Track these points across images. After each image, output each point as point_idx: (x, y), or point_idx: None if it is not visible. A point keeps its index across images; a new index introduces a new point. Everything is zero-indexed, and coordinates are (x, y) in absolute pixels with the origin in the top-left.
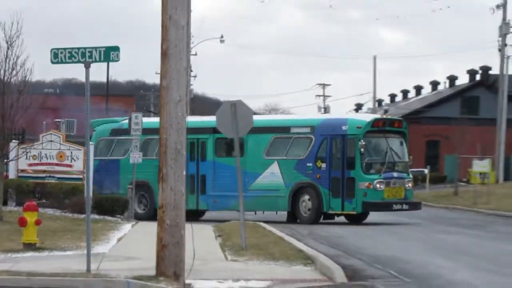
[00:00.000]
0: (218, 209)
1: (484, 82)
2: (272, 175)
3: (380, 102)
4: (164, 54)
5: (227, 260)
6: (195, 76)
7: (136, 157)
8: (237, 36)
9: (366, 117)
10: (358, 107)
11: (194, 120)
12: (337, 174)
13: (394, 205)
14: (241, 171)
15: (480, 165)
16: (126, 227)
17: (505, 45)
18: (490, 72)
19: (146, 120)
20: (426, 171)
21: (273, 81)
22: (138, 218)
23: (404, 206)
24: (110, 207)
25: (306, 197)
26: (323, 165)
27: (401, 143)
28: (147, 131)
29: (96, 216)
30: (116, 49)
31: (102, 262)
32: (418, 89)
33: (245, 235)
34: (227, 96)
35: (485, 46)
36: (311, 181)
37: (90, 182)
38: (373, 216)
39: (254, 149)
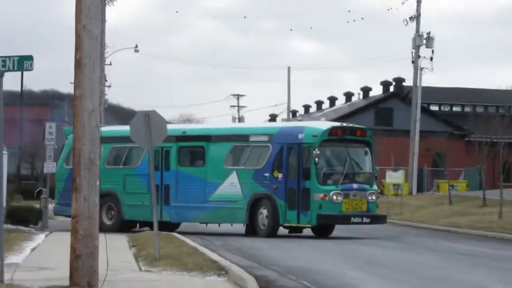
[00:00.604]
0: (180, 221)
1: (398, 93)
2: (231, 186)
3: (294, 113)
4: (78, 64)
5: (141, 270)
6: (109, 86)
7: (50, 167)
8: (152, 46)
9: (323, 125)
10: (273, 118)
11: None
12: (293, 184)
13: (352, 218)
14: (202, 181)
15: (393, 177)
16: (40, 237)
17: (419, 56)
18: (404, 83)
19: (113, 128)
20: None
21: (188, 91)
22: (105, 230)
23: (365, 220)
24: (24, 217)
25: (263, 209)
26: (280, 175)
27: (365, 153)
28: (114, 139)
29: (10, 226)
30: (30, 58)
31: (15, 272)
32: (332, 100)
33: (159, 246)
34: (141, 106)
35: (398, 58)
36: (268, 192)
37: (3, 191)
38: (338, 231)
39: (215, 158)
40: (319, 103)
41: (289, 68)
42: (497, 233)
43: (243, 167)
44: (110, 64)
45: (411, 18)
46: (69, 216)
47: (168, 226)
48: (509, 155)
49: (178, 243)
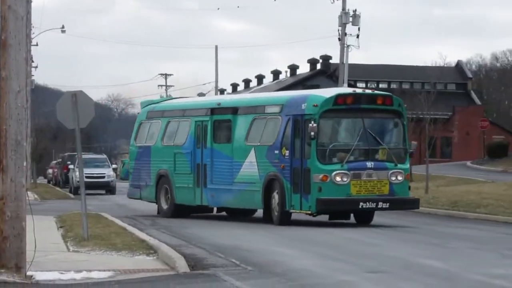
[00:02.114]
0: (215, 205)
1: (325, 71)
2: (251, 165)
3: (222, 91)
4: (3, 45)
5: (69, 251)
6: (36, 67)
7: None
8: (79, 27)
9: (329, 92)
10: (201, 96)
11: (196, 100)
12: (297, 164)
13: (362, 203)
14: (230, 160)
15: None
16: None
17: (345, 34)
18: (331, 61)
19: (173, 101)
20: None
21: (115, 71)
22: (163, 215)
23: (382, 205)
24: None
25: (276, 193)
26: (287, 153)
27: (393, 125)
28: (170, 113)
29: None
30: None
31: None
32: (260, 78)
33: (87, 226)
34: (69, 87)
35: (325, 36)
36: (277, 173)
37: None
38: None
39: (239, 134)
40: (247, 82)
41: (216, 47)
42: (423, 207)
43: (258, 144)
44: (37, 44)
45: None
46: (138, 199)
47: (207, 211)
48: (435, 130)
49: (107, 223)
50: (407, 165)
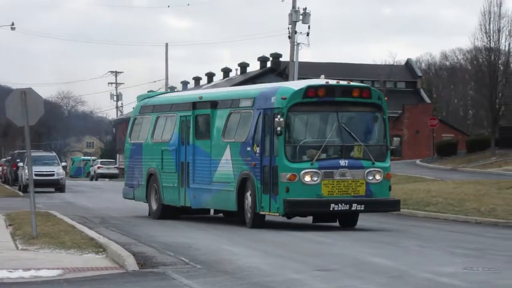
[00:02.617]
0: (197, 206)
1: (275, 68)
2: (226, 163)
3: (173, 89)
4: None
5: (18, 249)
6: None
7: None
8: (29, 24)
9: (300, 84)
10: None
11: (182, 94)
12: (267, 162)
13: (333, 205)
14: (209, 158)
15: None
16: None
17: (295, 32)
18: (281, 59)
19: (165, 95)
20: None
21: (66, 68)
22: (153, 217)
23: (356, 206)
24: None
25: (249, 193)
26: (258, 150)
27: (370, 119)
28: (160, 107)
29: None
30: None
31: None
32: (210, 76)
33: (36, 224)
34: (18, 84)
35: (276, 34)
36: (249, 171)
37: None
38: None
39: (217, 130)
40: (197, 79)
41: (166, 45)
42: None
43: (233, 140)
44: None
45: None
46: (132, 199)
47: (198, 212)
48: None
49: (56, 221)
50: (388, 163)
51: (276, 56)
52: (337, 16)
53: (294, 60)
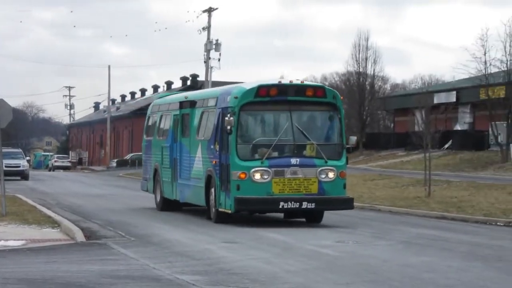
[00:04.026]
0: (183, 200)
1: (194, 86)
2: (199, 161)
3: (113, 101)
4: None
5: None
6: None
7: None
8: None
9: (252, 84)
10: (96, 105)
11: (178, 95)
12: (223, 159)
13: (282, 203)
14: (189, 155)
15: None
16: None
17: (209, 58)
18: (198, 78)
19: (173, 96)
20: None
21: (28, 84)
22: (157, 208)
23: (307, 205)
24: None
25: (213, 189)
26: (217, 148)
27: (325, 118)
28: (165, 106)
29: None
30: None
31: None
32: (143, 91)
33: (5, 204)
34: None
35: (194, 59)
36: (212, 168)
37: None
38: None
39: (194, 128)
40: (132, 94)
41: (109, 67)
42: None
43: (203, 138)
44: None
45: (203, 28)
46: (146, 191)
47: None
48: None
49: (21, 202)
50: (343, 162)
51: (194, 76)
52: (242, 45)
53: (208, 79)
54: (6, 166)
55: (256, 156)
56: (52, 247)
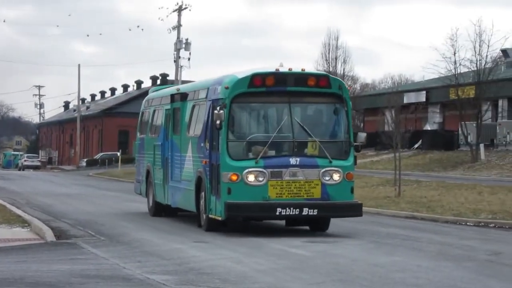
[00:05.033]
0: (174, 205)
1: (164, 85)
2: (189, 160)
3: (83, 100)
4: None
5: None
6: None
7: None
8: None
9: (244, 73)
10: (66, 104)
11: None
12: (214, 159)
13: (279, 210)
14: (179, 154)
15: None
16: None
17: (179, 57)
18: (168, 77)
19: (169, 89)
20: (118, 154)
21: None
22: (149, 213)
23: (308, 211)
24: None
25: (203, 192)
26: (208, 146)
27: (330, 112)
28: (158, 101)
29: None
30: None
31: None
32: (113, 90)
33: None
34: None
35: (165, 58)
36: (202, 169)
37: None
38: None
39: (184, 124)
40: (102, 93)
41: (79, 66)
42: None
43: (193, 135)
44: None
45: (173, 28)
46: (140, 194)
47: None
48: None
49: None
50: (350, 162)
51: (164, 76)
52: (211, 45)
53: (178, 79)
54: None
55: (250, 155)
56: (22, 247)
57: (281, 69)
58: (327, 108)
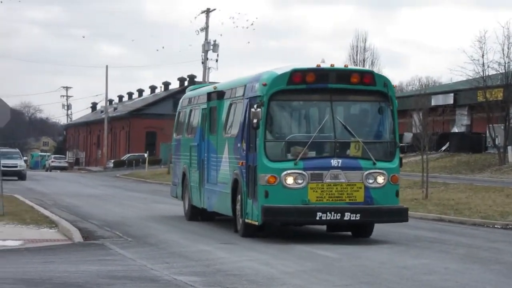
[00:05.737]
0: (210, 209)
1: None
2: (225, 162)
3: (111, 101)
4: None
5: None
6: None
7: None
8: None
9: (283, 69)
10: (94, 105)
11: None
12: (251, 160)
13: (320, 214)
14: (215, 155)
15: None
16: None
17: (207, 59)
18: (196, 79)
19: (204, 88)
20: (145, 155)
21: (24, 83)
22: (186, 218)
23: (350, 216)
24: None
25: (239, 196)
26: (244, 146)
27: (374, 111)
28: (194, 100)
29: None
30: None
31: None
32: (140, 92)
33: (3, 204)
34: None
35: (192, 60)
36: (238, 171)
37: None
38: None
39: (221, 123)
40: (130, 94)
41: (107, 67)
42: None
43: (230, 135)
44: None
45: (201, 29)
46: (176, 197)
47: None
48: None
49: (18, 202)
50: (395, 164)
51: (192, 77)
52: (239, 47)
53: (206, 80)
54: (3, 166)
55: (289, 156)
56: (50, 247)
57: (323, 65)
58: (371, 106)
